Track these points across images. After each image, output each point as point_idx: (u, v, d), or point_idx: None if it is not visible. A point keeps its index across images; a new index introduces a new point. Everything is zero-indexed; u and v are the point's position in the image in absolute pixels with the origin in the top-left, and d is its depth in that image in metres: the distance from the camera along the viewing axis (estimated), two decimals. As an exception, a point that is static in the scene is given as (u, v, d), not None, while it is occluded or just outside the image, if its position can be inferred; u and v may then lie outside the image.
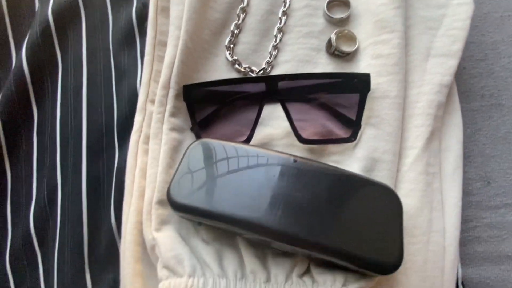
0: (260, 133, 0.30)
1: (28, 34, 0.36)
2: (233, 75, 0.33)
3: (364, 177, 0.25)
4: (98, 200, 0.31)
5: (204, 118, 0.30)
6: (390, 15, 0.30)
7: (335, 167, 0.24)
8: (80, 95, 0.34)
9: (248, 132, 0.29)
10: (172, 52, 0.30)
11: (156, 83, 0.31)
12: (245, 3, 0.34)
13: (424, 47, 0.30)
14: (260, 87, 0.29)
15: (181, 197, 0.23)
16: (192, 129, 0.30)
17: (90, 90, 0.34)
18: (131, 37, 0.36)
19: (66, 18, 0.36)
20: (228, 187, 0.23)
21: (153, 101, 0.30)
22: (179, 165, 0.25)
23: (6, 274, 0.30)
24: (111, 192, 0.31)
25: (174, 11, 0.31)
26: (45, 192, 0.32)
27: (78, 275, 0.28)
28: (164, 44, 0.32)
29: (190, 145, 0.26)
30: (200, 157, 0.25)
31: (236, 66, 0.33)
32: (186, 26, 0.30)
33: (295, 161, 0.24)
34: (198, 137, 0.30)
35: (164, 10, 0.33)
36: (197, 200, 0.23)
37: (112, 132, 0.33)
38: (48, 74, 0.35)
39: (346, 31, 0.32)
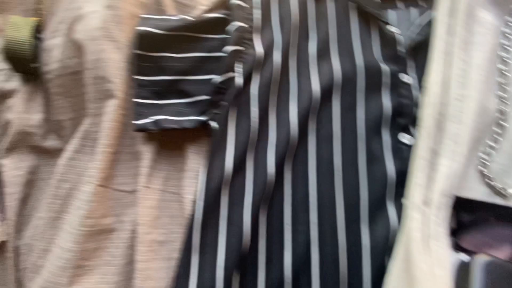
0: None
1: (297, 106, 0.42)
2: (484, 189, 0.37)
3: None
4: (350, 271, 0.35)
5: (466, 225, 0.34)
6: None
7: None
8: (331, 168, 0.40)
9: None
10: (449, 164, 0.35)
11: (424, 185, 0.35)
12: (502, 128, 0.38)
13: None
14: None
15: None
16: (452, 234, 0.34)
17: (343, 166, 0.40)
18: (380, 127, 0.42)
19: (324, 96, 0.43)
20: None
21: (425, 203, 0.35)
22: (477, 281, 0.29)
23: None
24: (361, 267, 0.36)
25: (452, 128, 0.36)
26: (301, 247, 0.37)
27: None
28: (434, 152, 0.37)
29: (478, 260, 0.30)
30: (498, 278, 0.28)
31: (487, 181, 0.37)
32: (468, 146, 0.35)
33: None
34: (455, 243, 0.34)
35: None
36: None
37: (357, 209, 0.38)
38: (303, 143, 0.41)
39: None
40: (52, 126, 0.46)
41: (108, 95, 0.41)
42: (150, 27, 0.42)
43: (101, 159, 0.39)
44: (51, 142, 0.46)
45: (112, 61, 0.41)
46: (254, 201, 0.38)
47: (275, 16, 0.47)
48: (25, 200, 0.44)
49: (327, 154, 0.41)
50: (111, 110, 0.40)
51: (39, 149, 0.46)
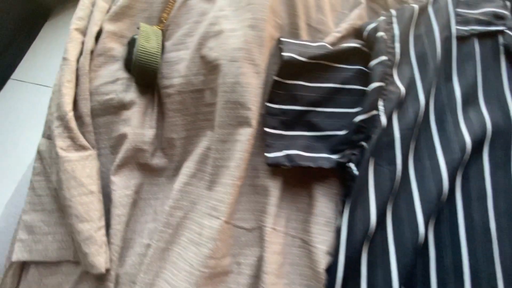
0: None
1: (444, 156, 0.37)
2: None
3: None
4: None
5: None
6: None
7: None
8: (488, 234, 0.35)
9: None
10: None
11: None
12: None
13: None
14: None
15: None
16: None
17: (498, 232, 0.35)
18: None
19: (474, 149, 0.38)
20: None
21: None
22: None
23: None
24: None
25: None
26: None
27: None
28: None
29: None
30: None
31: None
32: None
33: None
34: None
35: None
36: None
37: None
38: (450, 200, 0.36)
39: None
40: (161, 143, 0.43)
41: (241, 122, 0.37)
42: (295, 53, 0.38)
43: (231, 192, 0.35)
44: (157, 160, 0.43)
45: (251, 87, 0.37)
46: (401, 265, 0.33)
47: (412, 51, 0.43)
48: (128, 222, 0.40)
49: (481, 217, 0.36)
50: (245, 140, 0.36)
51: (146, 167, 0.42)
